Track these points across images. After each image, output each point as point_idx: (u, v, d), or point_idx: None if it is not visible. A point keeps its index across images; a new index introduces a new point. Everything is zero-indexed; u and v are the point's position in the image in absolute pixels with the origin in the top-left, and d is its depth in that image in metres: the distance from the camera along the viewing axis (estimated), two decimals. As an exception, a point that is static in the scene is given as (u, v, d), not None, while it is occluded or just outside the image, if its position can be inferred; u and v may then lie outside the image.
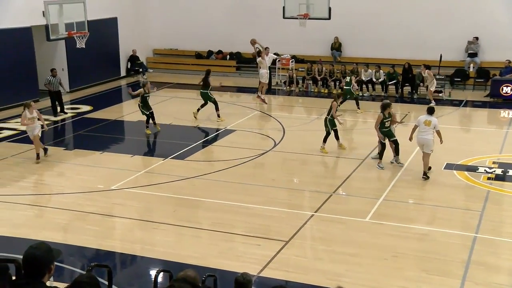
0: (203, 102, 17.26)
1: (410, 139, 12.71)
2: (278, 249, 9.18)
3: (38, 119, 13.60)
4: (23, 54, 18.93)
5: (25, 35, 18.93)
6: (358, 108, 18.12)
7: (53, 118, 17.71)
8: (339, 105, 14.66)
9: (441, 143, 12.46)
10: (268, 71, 19.28)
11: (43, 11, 16.37)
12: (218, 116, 17.14)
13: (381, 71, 20.59)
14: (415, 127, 12.54)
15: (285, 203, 11.15)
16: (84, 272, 7.62)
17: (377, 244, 9.38)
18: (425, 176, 12.28)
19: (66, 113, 18.24)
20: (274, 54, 20.48)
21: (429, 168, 12.53)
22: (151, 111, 15.75)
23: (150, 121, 15.88)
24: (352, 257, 8.93)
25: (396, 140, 13.10)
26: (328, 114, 14.01)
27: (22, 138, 15.60)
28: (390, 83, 20.62)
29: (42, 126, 13.88)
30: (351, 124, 17.35)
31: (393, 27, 22.21)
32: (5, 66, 18.14)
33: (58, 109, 18.21)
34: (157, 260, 8.96)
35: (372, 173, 12.86)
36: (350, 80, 18.22)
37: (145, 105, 15.67)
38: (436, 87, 20.42)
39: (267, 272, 8.50)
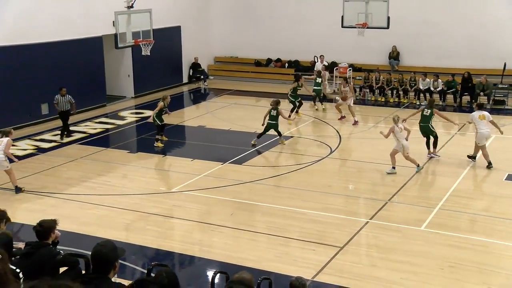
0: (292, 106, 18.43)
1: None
2: (333, 254, 9.31)
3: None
4: (93, 61, 19.88)
5: (96, 43, 19.90)
6: (322, 103, 19.84)
7: (119, 122, 18.49)
8: None
9: (502, 134, 13.10)
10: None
11: (113, 21, 17.17)
12: (289, 116, 17.64)
13: (439, 80, 20.28)
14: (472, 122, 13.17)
15: (340, 210, 11.25)
16: (145, 271, 8.00)
17: (433, 253, 9.32)
18: (490, 165, 12.91)
19: (70, 135, 16.50)
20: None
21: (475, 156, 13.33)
22: (163, 122, 15.78)
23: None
24: (407, 266, 8.93)
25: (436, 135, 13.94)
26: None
27: (90, 140, 16.42)
28: (448, 91, 20.27)
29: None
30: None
31: (452, 36, 21.82)
32: (77, 73, 19.08)
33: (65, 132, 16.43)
34: (214, 262, 9.25)
35: (428, 182, 12.77)
36: (321, 82, 19.77)
37: (158, 117, 15.57)
38: (498, 96, 19.91)
39: (321, 277, 8.64)
